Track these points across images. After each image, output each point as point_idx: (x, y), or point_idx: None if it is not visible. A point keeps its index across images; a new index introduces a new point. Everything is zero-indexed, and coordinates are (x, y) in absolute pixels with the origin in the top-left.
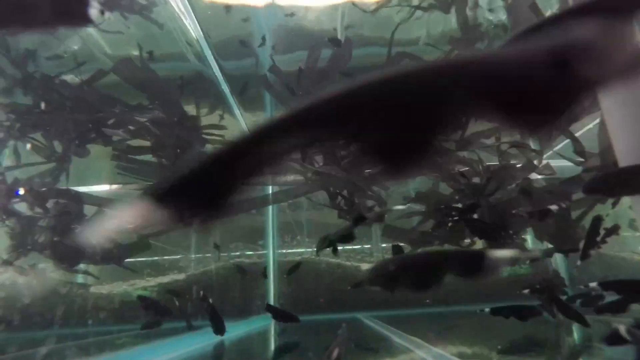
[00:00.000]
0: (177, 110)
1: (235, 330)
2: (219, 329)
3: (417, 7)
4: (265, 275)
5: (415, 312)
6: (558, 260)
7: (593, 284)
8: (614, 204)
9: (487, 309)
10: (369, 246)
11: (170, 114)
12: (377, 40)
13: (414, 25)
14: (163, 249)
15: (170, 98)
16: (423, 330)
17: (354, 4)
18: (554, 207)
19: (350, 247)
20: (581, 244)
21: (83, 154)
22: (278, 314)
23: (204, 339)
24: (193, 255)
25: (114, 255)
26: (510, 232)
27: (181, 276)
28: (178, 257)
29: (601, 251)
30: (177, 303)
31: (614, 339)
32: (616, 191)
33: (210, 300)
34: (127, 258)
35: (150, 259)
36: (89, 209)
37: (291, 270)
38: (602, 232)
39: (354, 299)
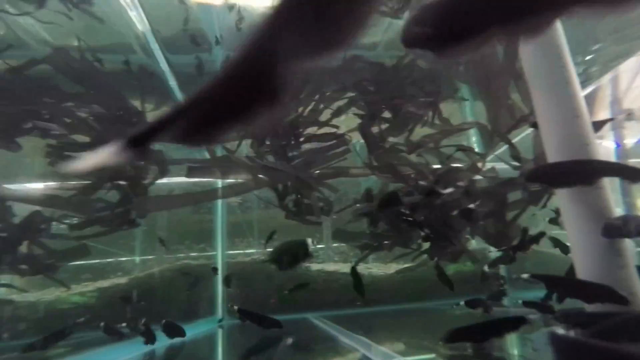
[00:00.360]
0: (120, 104)
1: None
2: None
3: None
4: (215, 272)
5: (362, 312)
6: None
7: (525, 275)
8: (543, 205)
9: (461, 302)
10: (322, 246)
11: (112, 108)
12: None
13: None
14: (105, 252)
15: (112, 91)
16: (370, 328)
17: None
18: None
19: None
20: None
21: (13, 149)
22: (257, 318)
23: (148, 346)
24: (137, 257)
25: (45, 264)
26: (455, 231)
27: (123, 280)
28: (122, 259)
29: (535, 248)
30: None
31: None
32: (554, 181)
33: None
34: (63, 263)
35: (88, 262)
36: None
37: (226, 281)
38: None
39: (305, 300)
